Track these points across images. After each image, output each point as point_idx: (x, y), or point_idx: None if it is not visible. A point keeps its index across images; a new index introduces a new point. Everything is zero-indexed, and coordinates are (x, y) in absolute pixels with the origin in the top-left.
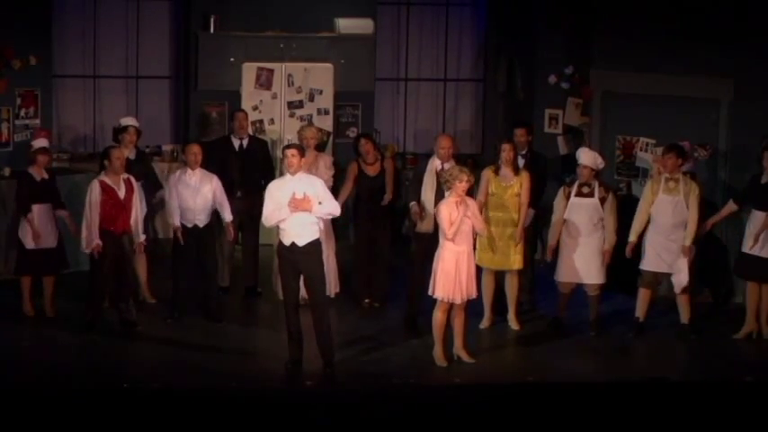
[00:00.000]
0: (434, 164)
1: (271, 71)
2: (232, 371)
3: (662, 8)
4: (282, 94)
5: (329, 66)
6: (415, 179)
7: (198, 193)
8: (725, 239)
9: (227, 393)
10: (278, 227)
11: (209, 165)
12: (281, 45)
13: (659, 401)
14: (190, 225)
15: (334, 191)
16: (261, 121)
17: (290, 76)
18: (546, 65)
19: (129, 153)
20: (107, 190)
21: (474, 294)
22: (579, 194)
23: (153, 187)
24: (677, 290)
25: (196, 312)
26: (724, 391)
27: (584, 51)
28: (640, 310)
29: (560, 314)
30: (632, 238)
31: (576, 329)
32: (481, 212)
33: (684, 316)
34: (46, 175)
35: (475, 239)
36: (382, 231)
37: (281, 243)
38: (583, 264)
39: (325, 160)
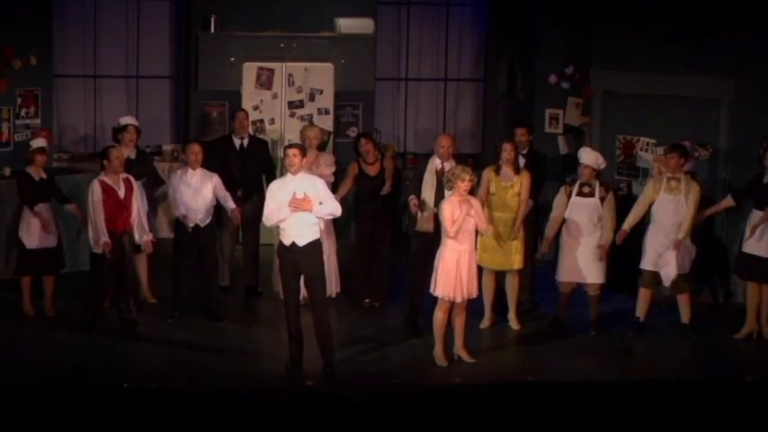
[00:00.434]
0: (434, 163)
1: (271, 71)
2: (232, 371)
3: (662, 8)
4: (283, 93)
5: (329, 65)
6: (415, 177)
7: (198, 193)
8: (725, 239)
9: (227, 393)
10: (278, 227)
11: (210, 164)
12: (282, 45)
13: (659, 401)
14: (191, 225)
15: (335, 189)
16: (261, 121)
17: (290, 75)
18: (546, 65)
19: (130, 152)
20: (107, 190)
21: (475, 294)
22: (580, 194)
23: (155, 185)
24: (666, 283)
25: (196, 312)
26: (724, 391)
27: (584, 51)
28: (641, 310)
29: (560, 314)
30: (625, 226)
31: (576, 329)
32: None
33: (685, 316)
34: (44, 175)
35: (475, 239)
36: (383, 231)
37: (281, 243)
38: (583, 263)
39: (327, 158)
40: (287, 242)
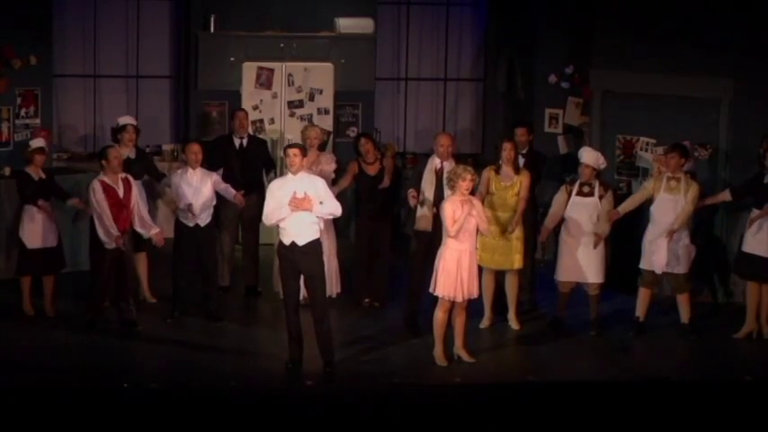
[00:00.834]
0: (434, 162)
1: (271, 71)
2: (232, 371)
3: (662, 8)
4: (282, 93)
5: (329, 65)
6: (415, 175)
7: (199, 193)
8: (724, 239)
9: (227, 393)
10: (278, 226)
11: (210, 163)
12: (282, 45)
13: (659, 401)
14: (191, 224)
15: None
16: (261, 121)
17: (290, 75)
18: (546, 64)
19: (129, 152)
20: (107, 189)
21: (475, 294)
22: (580, 193)
23: (156, 180)
24: (657, 270)
25: (196, 312)
26: (724, 391)
27: (584, 51)
28: (640, 310)
29: (560, 314)
30: (619, 208)
31: (576, 329)
32: None
33: (684, 316)
34: (43, 175)
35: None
36: (382, 231)
37: (281, 242)
38: (582, 263)
39: (328, 156)
40: (287, 242)
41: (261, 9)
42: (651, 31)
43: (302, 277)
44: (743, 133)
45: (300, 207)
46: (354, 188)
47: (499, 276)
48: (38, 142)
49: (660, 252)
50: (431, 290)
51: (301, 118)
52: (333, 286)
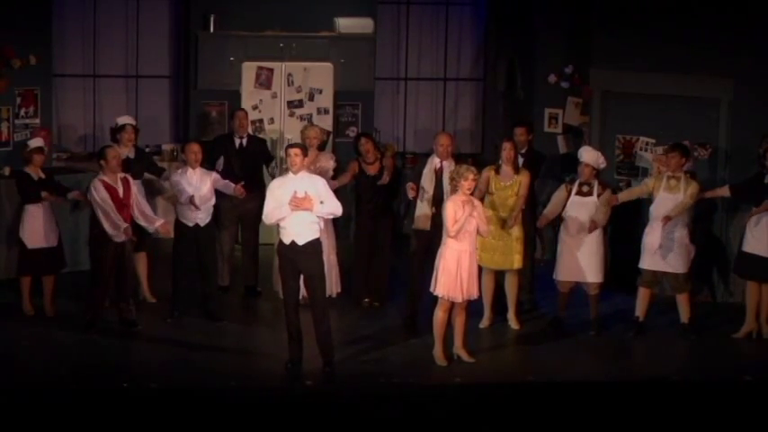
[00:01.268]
0: (434, 162)
1: (270, 70)
2: (232, 371)
3: (661, 8)
4: (282, 93)
5: (329, 65)
6: (415, 174)
7: (198, 192)
8: (724, 239)
9: (227, 393)
10: (278, 225)
11: (210, 158)
12: (281, 44)
13: (659, 401)
14: (190, 224)
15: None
16: (261, 121)
17: (289, 75)
18: (546, 64)
19: (129, 152)
20: (108, 188)
21: (475, 295)
22: (579, 193)
23: (157, 175)
24: (651, 252)
25: (196, 312)
26: (724, 391)
27: (583, 51)
28: (640, 310)
29: (560, 313)
30: (620, 196)
31: (575, 329)
32: None
33: (684, 315)
34: (43, 175)
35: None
36: (382, 231)
37: (281, 242)
38: (581, 263)
39: (327, 154)
40: (287, 241)
41: (260, 9)
42: (651, 31)
43: (302, 277)
44: (743, 133)
45: (301, 206)
46: (354, 186)
47: (499, 276)
48: (36, 142)
49: (654, 234)
50: (431, 289)
51: (301, 118)
52: (332, 286)
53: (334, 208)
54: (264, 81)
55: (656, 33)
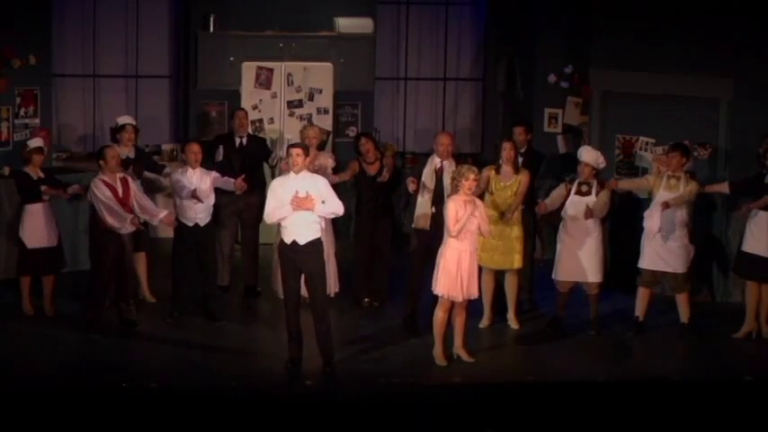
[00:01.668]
0: (434, 162)
1: (270, 70)
2: (232, 370)
3: (661, 8)
4: (282, 93)
5: (329, 65)
6: (415, 172)
7: (199, 192)
8: (723, 239)
9: (227, 393)
10: (279, 225)
11: (209, 154)
12: (281, 44)
13: (659, 401)
14: (190, 224)
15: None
16: (260, 121)
17: (289, 75)
18: (545, 64)
19: (129, 152)
20: (108, 188)
21: (475, 295)
22: (578, 192)
23: (159, 173)
24: (650, 235)
25: (196, 312)
26: (724, 391)
27: (583, 51)
28: (640, 310)
29: (560, 313)
30: (620, 182)
31: (575, 329)
32: None
33: (684, 315)
34: (42, 174)
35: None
36: (382, 231)
37: (282, 241)
38: (580, 263)
39: (326, 154)
40: (288, 240)
41: (260, 9)
42: (650, 31)
43: (302, 276)
44: (742, 133)
45: (302, 206)
46: (354, 185)
47: (499, 276)
48: (36, 142)
49: (653, 218)
50: (431, 289)
51: (301, 118)
52: (331, 285)
53: (336, 208)
54: (264, 81)
55: (656, 33)
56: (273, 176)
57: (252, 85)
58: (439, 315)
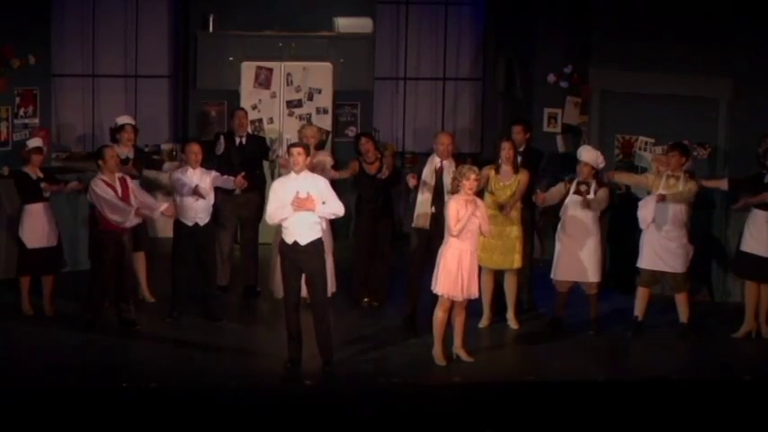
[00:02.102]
0: (434, 161)
1: (270, 70)
2: (232, 370)
3: (661, 8)
4: (281, 93)
5: (328, 65)
6: (415, 170)
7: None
8: (723, 239)
9: (227, 393)
10: (280, 225)
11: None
12: (280, 44)
13: (658, 401)
14: (190, 224)
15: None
16: (260, 120)
17: (288, 75)
18: (545, 64)
19: (129, 152)
20: (108, 187)
21: (475, 294)
22: (577, 192)
23: (159, 170)
24: (643, 226)
25: (196, 311)
26: (723, 391)
27: (583, 51)
28: (639, 309)
29: (559, 313)
30: (619, 175)
31: (575, 329)
32: None
33: (683, 315)
34: (41, 174)
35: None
36: (382, 231)
37: (282, 241)
38: (579, 262)
39: (325, 153)
40: (289, 241)
41: (260, 9)
42: (650, 31)
43: (303, 276)
44: (742, 133)
45: (303, 207)
46: (354, 185)
47: (498, 276)
48: (35, 142)
49: (648, 207)
50: (432, 288)
51: (300, 117)
52: (329, 285)
53: (337, 208)
54: (264, 81)
55: (656, 33)
56: (273, 173)
57: (251, 85)
58: (439, 315)
